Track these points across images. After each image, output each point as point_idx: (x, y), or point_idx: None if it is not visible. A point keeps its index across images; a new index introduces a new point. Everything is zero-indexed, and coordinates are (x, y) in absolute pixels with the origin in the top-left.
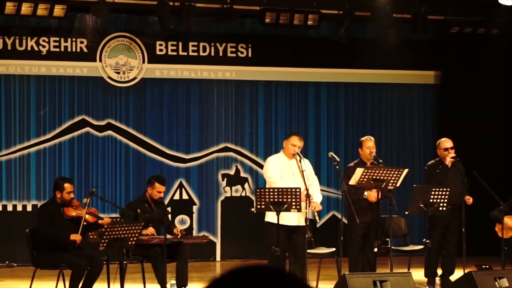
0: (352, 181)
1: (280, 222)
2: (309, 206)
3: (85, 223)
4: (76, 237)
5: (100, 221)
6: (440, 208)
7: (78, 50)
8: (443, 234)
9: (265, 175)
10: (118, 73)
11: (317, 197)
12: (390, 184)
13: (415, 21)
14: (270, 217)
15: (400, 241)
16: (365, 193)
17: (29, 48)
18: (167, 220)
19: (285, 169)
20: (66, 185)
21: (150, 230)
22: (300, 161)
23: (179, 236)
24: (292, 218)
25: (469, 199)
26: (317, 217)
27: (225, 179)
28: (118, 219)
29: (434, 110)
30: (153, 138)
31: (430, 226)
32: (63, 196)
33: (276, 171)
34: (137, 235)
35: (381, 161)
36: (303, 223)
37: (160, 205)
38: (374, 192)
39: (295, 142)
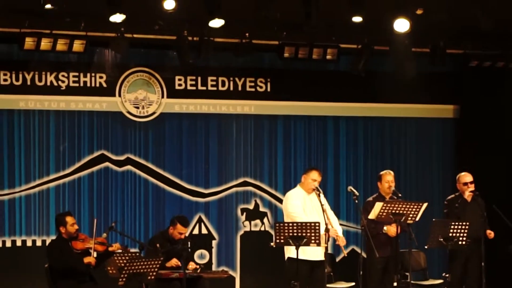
0: (372, 215)
1: (303, 257)
2: (328, 240)
3: (94, 254)
4: (90, 259)
5: (110, 248)
6: (460, 242)
7: (97, 85)
8: (463, 268)
9: (287, 210)
10: (137, 108)
11: (338, 230)
12: (409, 218)
13: (434, 54)
14: (293, 252)
15: (420, 276)
16: (385, 227)
17: (48, 83)
18: (187, 254)
19: (306, 203)
20: (68, 218)
21: (174, 261)
22: (320, 196)
23: (198, 271)
24: (316, 253)
25: (490, 234)
26: (344, 251)
27: (244, 213)
28: (137, 254)
29: (453, 144)
30: (172, 173)
31: (450, 260)
32: (67, 230)
33: (299, 206)
34: (156, 269)
35: (400, 195)
36: (323, 258)
37: (181, 240)
38: (393, 227)
39: (315, 177)
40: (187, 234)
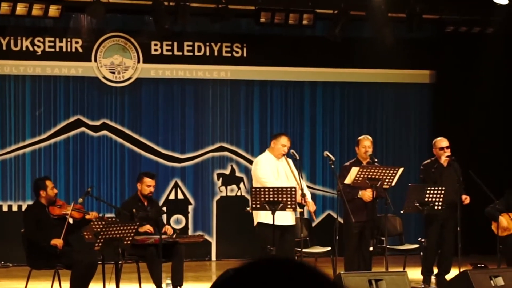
0: (348, 180)
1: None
2: (304, 205)
3: (71, 221)
4: (56, 241)
5: (87, 216)
6: (436, 207)
7: (73, 50)
8: (439, 232)
9: (257, 175)
10: (113, 73)
11: (308, 195)
12: (385, 183)
13: (410, 20)
14: (262, 217)
15: (396, 240)
16: (360, 192)
17: (24, 48)
18: (162, 220)
19: (278, 169)
20: (47, 182)
21: (147, 227)
22: (295, 161)
23: (174, 236)
24: (286, 218)
25: (466, 199)
26: (314, 217)
27: (221, 178)
28: (113, 219)
29: (430, 109)
30: (149, 138)
31: (426, 225)
32: (48, 193)
33: (268, 171)
34: (132, 235)
35: (376, 160)
36: (293, 223)
37: (154, 204)
38: (368, 192)
39: (284, 142)
40: (153, 191)
